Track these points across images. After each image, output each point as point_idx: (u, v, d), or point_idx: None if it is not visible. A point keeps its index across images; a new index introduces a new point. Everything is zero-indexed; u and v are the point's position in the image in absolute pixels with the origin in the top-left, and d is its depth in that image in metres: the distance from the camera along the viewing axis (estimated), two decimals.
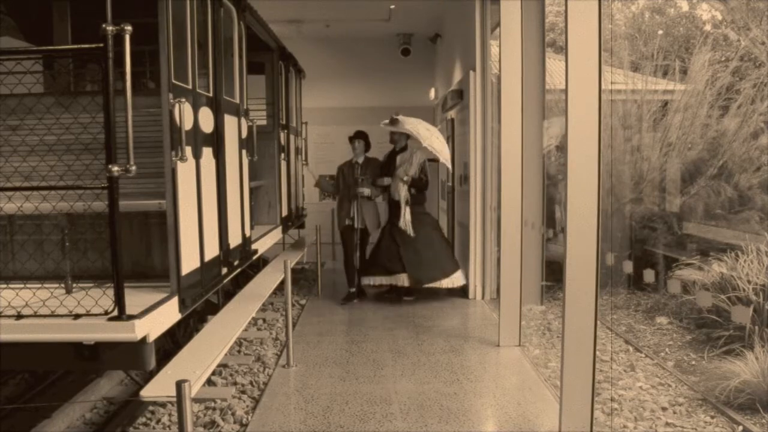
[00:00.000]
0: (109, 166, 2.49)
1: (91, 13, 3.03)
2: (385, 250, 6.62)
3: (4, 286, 3.00)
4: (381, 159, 6.89)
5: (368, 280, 6.76)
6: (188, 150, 3.12)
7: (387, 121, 6.62)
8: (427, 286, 6.58)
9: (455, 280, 6.65)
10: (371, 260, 6.78)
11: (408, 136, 6.62)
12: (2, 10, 4.27)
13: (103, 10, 2.46)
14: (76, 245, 3.27)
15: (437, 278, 6.55)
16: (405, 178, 6.44)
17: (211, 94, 3.69)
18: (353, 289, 6.81)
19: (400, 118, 6.51)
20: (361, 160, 6.70)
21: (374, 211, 6.77)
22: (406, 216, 6.46)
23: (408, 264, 6.49)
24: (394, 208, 6.65)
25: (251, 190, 4.99)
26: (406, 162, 6.51)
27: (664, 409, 3.99)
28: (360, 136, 6.68)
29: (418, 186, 6.58)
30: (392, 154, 6.75)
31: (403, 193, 6.47)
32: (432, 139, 6.42)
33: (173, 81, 2.99)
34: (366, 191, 6.57)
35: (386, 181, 6.60)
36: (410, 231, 6.47)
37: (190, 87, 3.26)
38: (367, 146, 6.77)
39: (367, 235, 6.77)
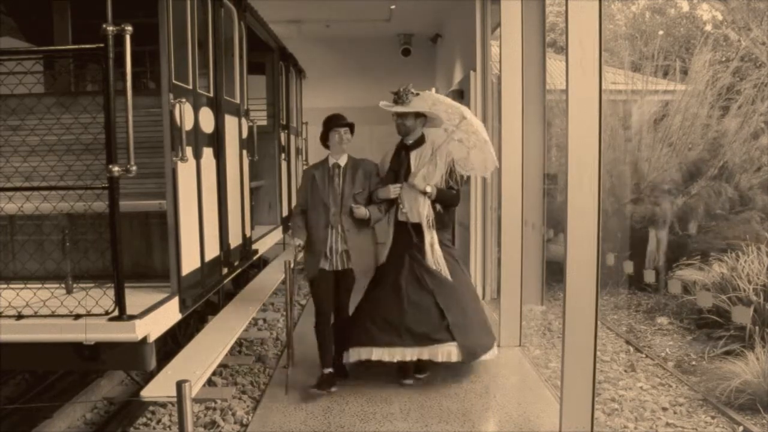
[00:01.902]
0: (110, 167, 2.49)
1: (92, 13, 3.03)
2: (412, 303, 3.93)
3: (5, 286, 3.00)
4: (378, 160, 4.17)
5: (378, 354, 3.94)
6: (189, 150, 3.13)
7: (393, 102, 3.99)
8: (481, 359, 4.16)
9: (495, 347, 4.27)
10: (376, 318, 3.98)
11: (424, 121, 4.06)
12: (2, 10, 4.28)
13: (103, 10, 2.46)
14: (76, 245, 3.28)
15: (490, 346, 4.14)
16: (428, 190, 3.91)
17: (211, 95, 3.69)
18: (330, 370, 4.01)
19: (422, 94, 4.02)
20: (343, 161, 3.93)
21: (367, 245, 4.01)
22: (435, 248, 3.96)
23: (456, 327, 3.92)
24: (409, 235, 4.00)
25: (252, 191, 4.99)
26: (427, 162, 3.97)
27: (664, 409, 4.00)
28: (345, 122, 3.91)
29: (446, 200, 4.04)
30: (401, 152, 4.08)
31: (425, 211, 3.94)
32: (481, 129, 4.10)
33: (174, 81, 2.99)
34: (362, 211, 3.85)
35: (392, 191, 3.90)
36: (446, 272, 3.98)
37: (190, 87, 3.27)
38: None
39: (351, 280, 4.00)
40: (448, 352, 3.94)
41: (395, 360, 3.95)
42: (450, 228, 4.22)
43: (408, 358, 3.96)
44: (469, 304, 4.11)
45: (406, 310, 3.92)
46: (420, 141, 4.07)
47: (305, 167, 4.34)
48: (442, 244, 4.03)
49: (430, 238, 3.98)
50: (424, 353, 3.95)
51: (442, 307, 3.93)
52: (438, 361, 3.97)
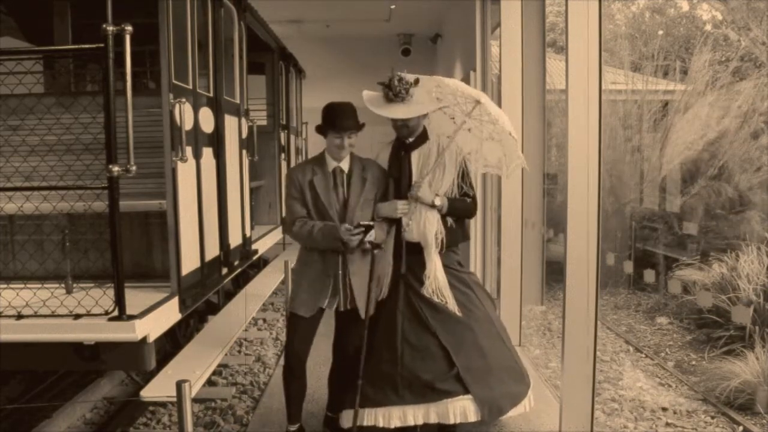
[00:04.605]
0: (110, 166, 2.49)
1: (92, 13, 3.04)
2: (409, 345, 3.00)
3: (5, 286, 3.00)
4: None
5: (371, 417, 2.95)
6: (188, 150, 3.13)
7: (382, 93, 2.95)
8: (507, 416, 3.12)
9: (531, 396, 3.16)
10: (366, 368, 2.95)
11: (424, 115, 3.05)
12: (2, 10, 4.28)
13: (103, 10, 2.46)
14: (76, 245, 3.28)
15: (521, 395, 3.08)
16: (437, 203, 2.96)
17: (211, 95, 3.69)
18: (296, 427, 3.10)
19: (423, 79, 2.94)
20: (346, 165, 2.94)
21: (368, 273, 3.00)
22: (437, 274, 3.00)
23: (470, 375, 2.96)
24: (410, 258, 3.04)
25: (251, 190, 4.99)
26: (434, 165, 2.99)
27: (664, 409, 4.00)
28: (353, 125, 2.85)
29: (461, 211, 3.07)
30: (400, 152, 3.07)
31: (434, 228, 2.99)
32: (502, 118, 2.99)
33: (174, 81, 2.99)
34: (372, 237, 2.81)
35: (399, 209, 2.93)
36: (453, 306, 3.00)
37: (190, 87, 3.27)
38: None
39: (361, 322, 2.96)
40: (462, 408, 2.91)
41: (392, 425, 2.92)
42: (460, 243, 3.17)
43: (410, 421, 2.92)
44: (491, 343, 3.07)
45: (403, 356, 2.96)
46: (422, 138, 3.04)
47: (292, 171, 3.02)
48: (447, 268, 3.04)
49: (435, 265, 2.98)
50: (430, 413, 2.93)
51: (448, 350, 2.96)
52: (450, 423, 2.92)
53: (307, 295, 2.93)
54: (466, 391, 2.92)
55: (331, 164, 2.91)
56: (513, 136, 2.95)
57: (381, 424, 2.93)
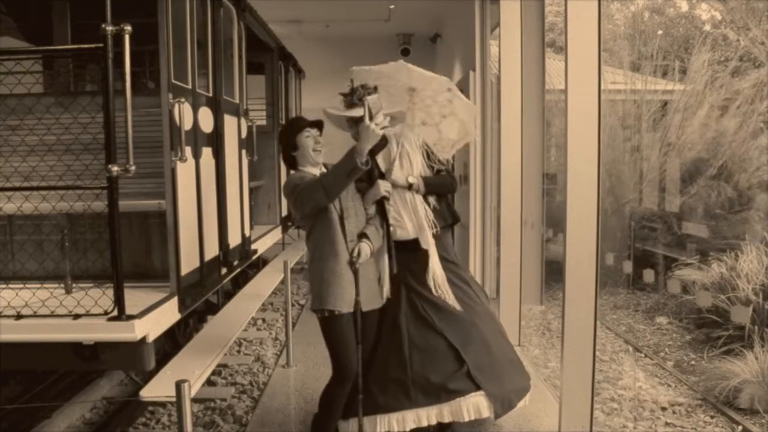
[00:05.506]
0: (109, 166, 2.49)
1: (91, 13, 3.03)
2: (417, 348, 2.99)
3: (4, 286, 3.00)
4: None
5: (385, 424, 2.94)
6: (188, 150, 3.13)
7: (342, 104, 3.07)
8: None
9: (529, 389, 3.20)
10: (375, 374, 3.00)
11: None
12: (2, 10, 4.28)
13: (102, 10, 2.46)
14: (75, 245, 3.28)
15: (526, 388, 3.13)
16: (411, 180, 3.00)
17: (210, 94, 3.69)
18: None
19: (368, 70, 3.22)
20: (323, 168, 2.93)
21: (374, 272, 2.92)
22: (434, 267, 2.98)
23: (480, 372, 2.96)
24: (402, 257, 2.93)
25: (251, 190, 4.99)
26: (400, 156, 3.04)
27: (663, 409, 4.00)
28: (316, 120, 2.93)
29: (439, 187, 3.11)
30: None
31: (421, 211, 3.00)
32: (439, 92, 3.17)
33: (173, 81, 2.99)
34: (367, 250, 2.77)
35: (382, 188, 2.89)
36: (452, 301, 3.00)
37: (189, 87, 3.27)
38: None
39: (366, 321, 2.85)
40: (475, 405, 2.91)
41: (407, 429, 2.92)
42: (450, 230, 3.19)
43: (424, 423, 2.94)
44: (495, 338, 3.09)
45: (411, 359, 2.95)
46: (383, 143, 2.82)
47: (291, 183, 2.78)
48: (444, 261, 3.02)
49: (432, 253, 2.94)
50: (444, 412, 2.93)
51: (457, 348, 2.95)
52: (464, 420, 2.92)
53: (347, 288, 2.70)
54: (478, 388, 2.93)
55: (314, 172, 2.82)
56: (451, 90, 3.03)
57: (396, 429, 2.93)
